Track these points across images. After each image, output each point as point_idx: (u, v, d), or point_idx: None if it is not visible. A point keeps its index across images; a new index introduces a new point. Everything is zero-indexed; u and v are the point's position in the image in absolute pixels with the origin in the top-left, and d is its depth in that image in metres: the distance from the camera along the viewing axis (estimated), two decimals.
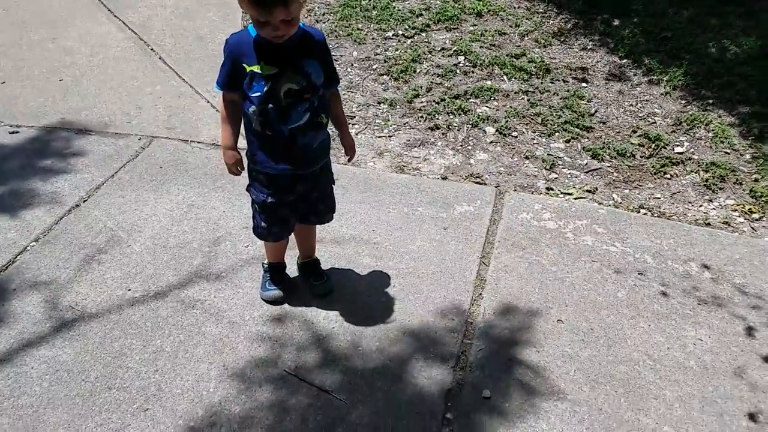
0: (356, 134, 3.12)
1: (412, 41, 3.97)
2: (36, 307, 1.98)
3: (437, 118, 3.23)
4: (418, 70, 3.65)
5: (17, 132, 2.87)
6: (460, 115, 3.27)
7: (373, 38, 4.00)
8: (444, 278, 2.18)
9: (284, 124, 1.66)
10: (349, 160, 2.00)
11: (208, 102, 3.21)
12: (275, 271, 2.11)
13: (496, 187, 2.69)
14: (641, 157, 3.02)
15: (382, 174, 2.79)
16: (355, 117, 3.27)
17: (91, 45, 3.70)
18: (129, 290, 2.07)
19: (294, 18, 1.53)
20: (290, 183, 1.80)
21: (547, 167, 2.88)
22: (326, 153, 1.84)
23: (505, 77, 3.61)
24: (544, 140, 3.09)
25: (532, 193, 2.69)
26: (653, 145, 3.07)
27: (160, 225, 2.37)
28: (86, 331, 1.91)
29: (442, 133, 3.13)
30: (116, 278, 2.12)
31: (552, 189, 2.73)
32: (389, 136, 3.12)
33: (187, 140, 2.91)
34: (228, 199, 2.53)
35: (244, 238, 2.31)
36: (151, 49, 3.69)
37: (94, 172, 2.64)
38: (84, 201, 2.47)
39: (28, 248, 2.22)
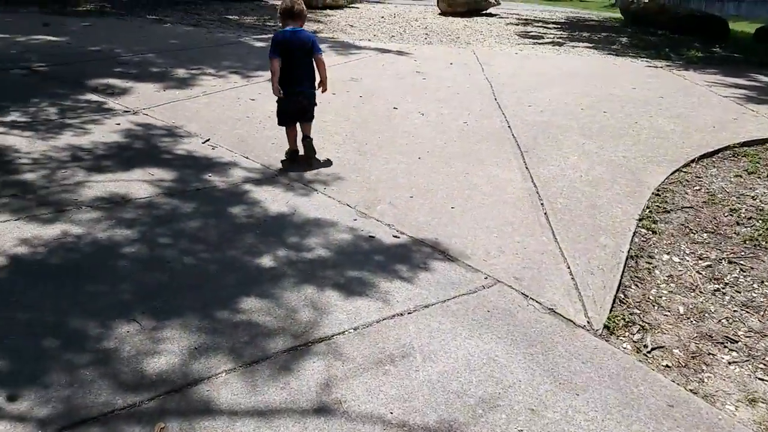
0: (728, 363, 2.45)
1: None
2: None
3: None
4: None
5: (398, 237, 3.30)
6: None
7: None
8: None
9: None
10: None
11: (569, 269, 3.05)
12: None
13: None
14: None
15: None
16: (738, 342, 2.59)
17: (492, 186, 4.05)
18: (391, 413, 2.03)
19: None
20: None
21: None
22: None
23: None
24: None
25: None
26: None
27: (455, 365, 2.28)
28: None
29: None
30: (390, 396, 2.10)
31: None
32: None
33: (527, 296, 2.80)
34: (531, 369, 2.28)
35: (522, 418, 2.01)
36: (541, 204, 3.78)
37: (431, 291, 2.78)
38: (408, 313, 2.61)
39: (346, 332, 2.45)
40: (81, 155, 4.09)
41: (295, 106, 4.16)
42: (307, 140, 4.22)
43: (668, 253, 3.38)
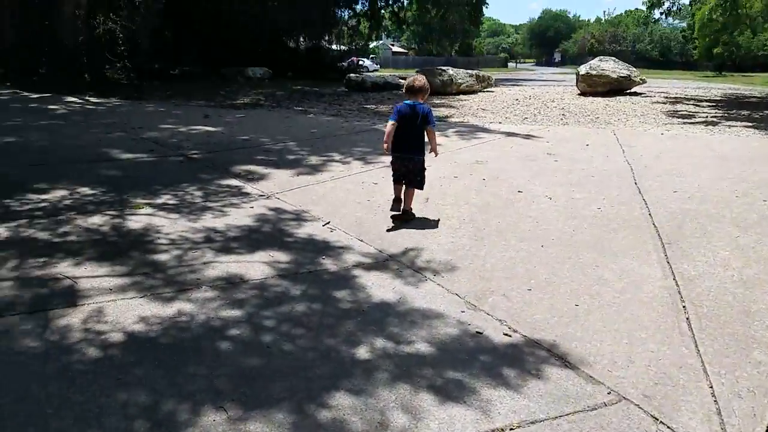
0: None
1: None
2: None
3: None
4: None
5: (509, 336, 3.01)
6: None
7: None
8: None
9: None
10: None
11: (711, 388, 2.54)
12: None
13: None
14: None
15: None
16: None
17: (626, 282, 3.61)
18: None
19: None
20: None
21: None
22: None
23: None
24: None
25: None
26: None
27: None
28: None
29: None
30: None
31: None
32: None
33: (657, 419, 2.35)
34: None
35: None
36: (683, 306, 3.28)
37: (541, 404, 2.45)
38: (510, 429, 2.30)
39: None
40: (214, 237, 4.38)
41: (402, 168, 4.74)
42: (405, 213, 4.74)
43: None
